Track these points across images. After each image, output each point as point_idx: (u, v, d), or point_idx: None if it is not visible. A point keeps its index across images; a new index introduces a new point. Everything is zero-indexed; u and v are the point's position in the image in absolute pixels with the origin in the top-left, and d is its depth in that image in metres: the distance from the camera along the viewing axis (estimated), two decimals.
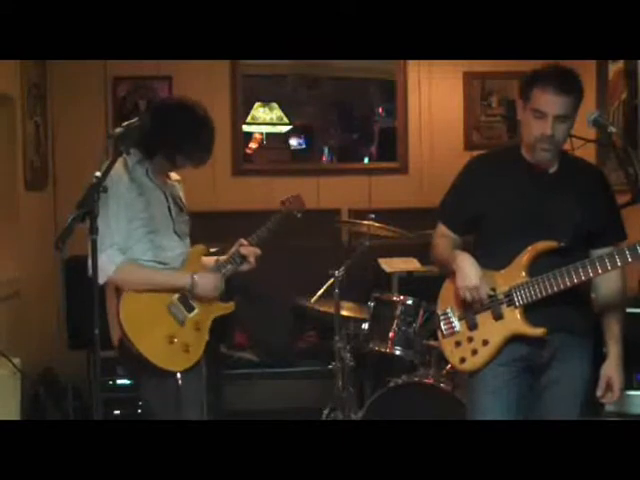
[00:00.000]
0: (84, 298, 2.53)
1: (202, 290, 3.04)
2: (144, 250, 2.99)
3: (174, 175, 3.23)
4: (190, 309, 3.06)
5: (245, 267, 3.23)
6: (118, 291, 2.96)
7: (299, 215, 3.53)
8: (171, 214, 3.10)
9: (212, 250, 3.31)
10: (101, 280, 2.80)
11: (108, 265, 2.86)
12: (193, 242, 3.22)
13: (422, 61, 5.80)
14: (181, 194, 3.24)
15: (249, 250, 3.22)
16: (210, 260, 3.23)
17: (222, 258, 3.22)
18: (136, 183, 2.99)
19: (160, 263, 3.02)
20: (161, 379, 2.96)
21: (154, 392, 3.01)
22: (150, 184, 3.05)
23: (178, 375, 2.96)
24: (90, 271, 2.84)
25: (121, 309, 2.92)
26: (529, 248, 2.76)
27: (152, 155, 3.04)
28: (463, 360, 2.85)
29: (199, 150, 3.07)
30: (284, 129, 7.21)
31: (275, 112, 7.04)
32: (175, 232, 3.10)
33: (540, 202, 2.77)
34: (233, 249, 3.23)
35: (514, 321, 2.77)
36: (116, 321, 2.93)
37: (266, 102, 6.96)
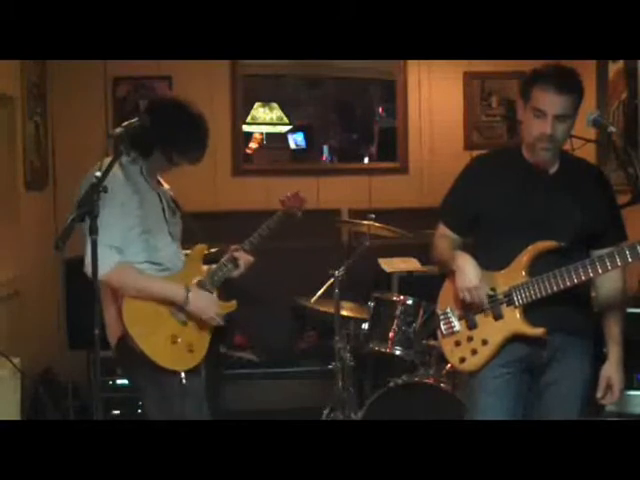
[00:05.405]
0: (84, 298, 2.52)
1: (195, 308, 3.00)
2: (139, 251, 2.96)
3: (164, 183, 3.23)
4: None
5: (236, 273, 3.21)
6: (115, 291, 2.95)
7: (299, 214, 3.50)
8: (165, 215, 3.09)
9: (212, 250, 3.30)
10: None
11: (103, 265, 2.79)
12: (192, 243, 3.21)
13: (422, 61, 5.81)
14: (173, 197, 3.23)
15: (243, 257, 3.21)
16: (205, 268, 3.21)
17: (214, 266, 3.19)
18: (131, 182, 2.97)
19: (154, 264, 3.00)
20: (163, 379, 2.95)
21: (154, 393, 3.00)
22: (144, 183, 3.03)
23: (182, 374, 2.95)
24: (89, 270, 2.84)
25: (124, 310, 2.91)
26: (529, 248, 2.76)
27: (148, 154, 3.03)
28: (463, 360, 2.85)
29: (195, 147, 3.06)
30: (284, 129, 7.22)
31: (275, 112, 7.06)
32: (169, 233, 3.09)
33: (540, 202, 2.77)
34: (226, 256, 3.21)
35: (514, 321, 2.77)
36: (117, 321, 2.92)
37: (266, 102, 6.97)
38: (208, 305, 3.05)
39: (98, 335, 2.48)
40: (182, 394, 2.95)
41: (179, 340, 2.99)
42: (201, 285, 3.12)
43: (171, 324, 2.99)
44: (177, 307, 3.00)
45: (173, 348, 2.98)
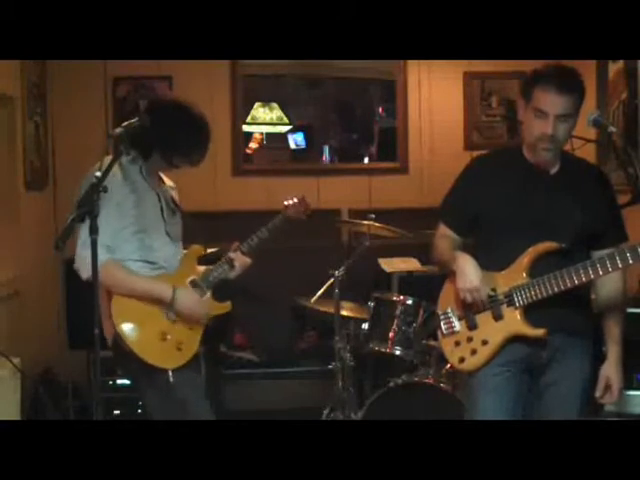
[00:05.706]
0: (84, 298, 2.53)
1: (181, 307, 2.98)
2: (133, 249, 2.96)
3: (168, 181, 3.22)
4: None
5: (231, 275, 3.19)
6: (110, 289, 2.95)
7: (304, 217, 3.46)
8: (163, 215, 3.08)
9: (211, 250, 3.30)
10: (84, 275, 2.82)
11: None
12: (192, 242, 3.21)
13: (422, 61, 5.81)
14: (175, 198, 3.22)
15: (239, 259, 3.19)
16: (202, 269, 3.20)
17: (210, 267, 3.18)
18: (129, 181, 2.97)
19: (149, 263, 3.00)
20: (155, 377, 2.95)
21: (148, 390, 3.00)
22: (143, 183, 3.03)
23: (170, 372, 2.94)
24: (78, 267, 2.85)
25: (113, 306, 2.91)
26: (530, 249, 2.75)
27: (148, 154, 3.03)
28: (462, 360, 2.85)
29: (196, 149, 3.05)
30: (284, 129, 7.22)
31: (275, 112, 7.06)
32: (167, 233, 3.08)
33: (541, 203, 2.77)
34: (224, 256, 3.19)
35: (514, 322, 2.77)
36: (109, 318, 2.92)
37: (266, 102, 6.97)
38: (195, 305, 3.04)
39: (98, 335, 2.48)
40: (174, 392, 2.95)
41: (168, 337, 2.98)
42: (195, 285, 3.11)
43: (160, 321, 2.98)
44: (167, 305, 2.99)
45: (162, 345, 2.97)
